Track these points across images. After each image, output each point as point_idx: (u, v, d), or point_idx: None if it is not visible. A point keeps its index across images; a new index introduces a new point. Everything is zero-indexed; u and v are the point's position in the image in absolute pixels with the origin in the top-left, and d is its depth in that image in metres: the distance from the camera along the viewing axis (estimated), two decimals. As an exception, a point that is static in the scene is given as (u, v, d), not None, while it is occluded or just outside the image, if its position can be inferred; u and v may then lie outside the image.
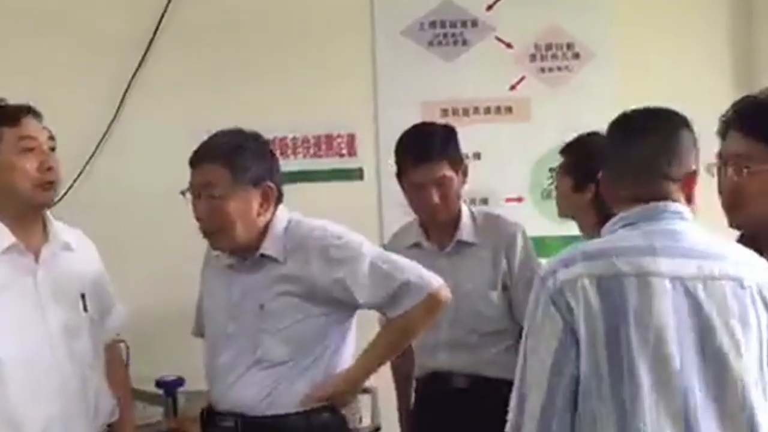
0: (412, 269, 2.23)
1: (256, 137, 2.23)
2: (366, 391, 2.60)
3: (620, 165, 1.65)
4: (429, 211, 2.55)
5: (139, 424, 2.62)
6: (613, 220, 1.63)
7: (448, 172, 2.52)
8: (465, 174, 2.59)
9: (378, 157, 3.21)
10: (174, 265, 2.86)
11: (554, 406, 1.49)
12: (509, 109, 3.19)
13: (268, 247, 2.19)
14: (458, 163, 2.56)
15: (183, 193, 2.19)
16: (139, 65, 3.08)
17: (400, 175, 2.57)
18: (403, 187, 2.58)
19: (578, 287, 1.51)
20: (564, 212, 2.57)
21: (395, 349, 2.32)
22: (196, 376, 2.51)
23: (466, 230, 2.59)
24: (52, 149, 2.11)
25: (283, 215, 2.23)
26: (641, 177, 1.62)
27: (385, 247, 2.53)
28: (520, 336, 2.37)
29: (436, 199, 2.51)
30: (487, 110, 3.20)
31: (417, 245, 2.62)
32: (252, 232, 2.18)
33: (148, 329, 2.93)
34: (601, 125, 2.80)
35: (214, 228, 2.15)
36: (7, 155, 2.04)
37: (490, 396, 2.34)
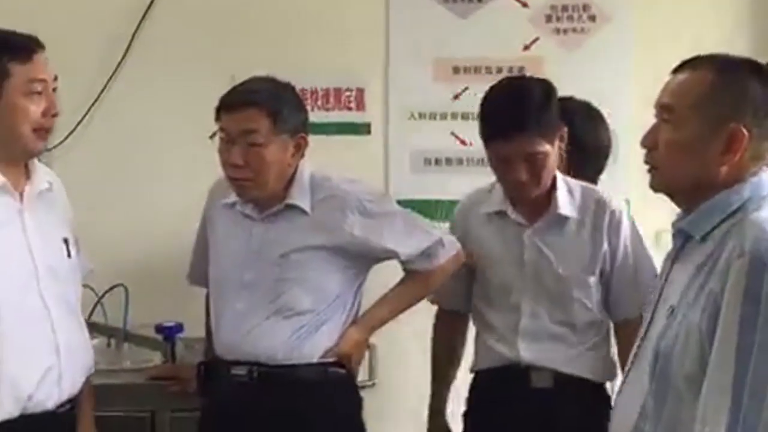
0: (435, 227, 2.30)
1: (291, 88, 2.23)
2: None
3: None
4: (515, 189, 2.20)
5: (136, 368, 2.64)
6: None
7: (541, 147, 2.11)
8: (563, 140, 2.18)
9: (387, 113, 3.17)
10: (174, 212, 2.85)
11: None
12: (522, 70, 3.15)
13: (295, 197, 2.19)
14: (554, 132, 2.14)
15: (212, 137, 2.16)
16: (143, 17, 3.02)
17: (484, 139, 2.18)
18: (487, 151, 2.19)
19: None
20: None
21: (415, 300, 2.34)
22: (195, 323, 2.52)
23: (563, 202, 2.21)
24: (54, 90, 1.96)
25: (304, 166, 2.23)
26: None
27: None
28: (607, 331, 2.28)
29: (523, 176, 2.13)
30: (500, 70, 3.14)
31: (500, 214, 2.27)
32: (281, 182, 2.18)
33: (148, 275, 2.94)
34: (616, 89, 2.82)
35: (249, 175, 2.13)
36: (14, 96, 1.88)
37: (575, 398, 2.23)
